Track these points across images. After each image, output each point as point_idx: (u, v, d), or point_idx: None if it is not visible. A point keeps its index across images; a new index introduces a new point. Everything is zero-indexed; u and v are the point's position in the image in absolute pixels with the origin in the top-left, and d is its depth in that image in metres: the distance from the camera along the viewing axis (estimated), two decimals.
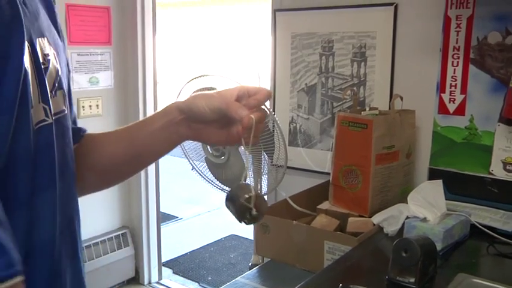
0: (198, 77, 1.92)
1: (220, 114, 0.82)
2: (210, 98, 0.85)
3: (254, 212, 0.81)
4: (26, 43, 0.68)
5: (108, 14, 2.91)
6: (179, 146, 2.03)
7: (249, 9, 6.85)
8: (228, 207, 0.85)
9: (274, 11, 2.41)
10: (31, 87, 0.68)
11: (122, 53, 3.11)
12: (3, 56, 0.62)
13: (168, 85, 3.80)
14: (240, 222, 0.83)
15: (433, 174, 1.98)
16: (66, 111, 0.81)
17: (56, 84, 0.79)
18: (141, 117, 2.91)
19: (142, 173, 3.21)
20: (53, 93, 0.77)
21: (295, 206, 1.91)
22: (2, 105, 0.63)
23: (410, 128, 1.94)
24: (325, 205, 1.91)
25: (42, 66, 0.73)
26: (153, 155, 0.99)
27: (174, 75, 6.14)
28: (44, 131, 0.73)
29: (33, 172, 0.70)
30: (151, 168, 3.28)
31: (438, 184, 1.68)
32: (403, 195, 1.80)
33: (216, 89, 1.91)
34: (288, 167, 1.99)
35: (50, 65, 0.77)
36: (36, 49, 0.72)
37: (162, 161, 3.17)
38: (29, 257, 0.70)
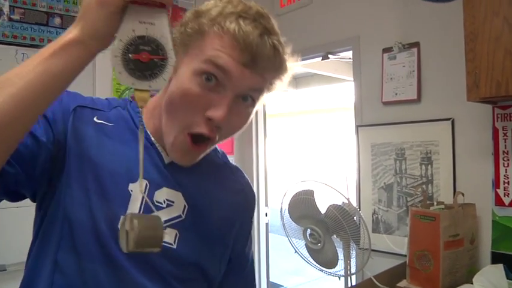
0: (299, 182, 2.17)
1: None
2: None
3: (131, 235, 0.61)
4: (143, 181, 0.78)
5: None
6: (286, 234, 2.21)
7: (336, 117, 7.05)
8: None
9: (357, 127, 2.56)
10: (134, 204, 0.76)
11: (241, 157, 3.39)
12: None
13: (276, 177, 4.00)
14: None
15: (495, 257, 1.98)
16: (172, 246, 0.81)
17: (170, 223, 0.81)
18: None
19: (256, 248, 3.38)
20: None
21: (378, 284, 1.96)
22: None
23: (472, 219, 1.99)
24: (403, 283, 1.95)
25: (156, 203, 0.79)
26: None
27: (280, 170, 6.37)
28: None
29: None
30: (263, 245, 3.45)
31: (500, 268, 1.73)
32: (470, 274, 1.82)
33: (313, 191, 2.13)
34: (372, 250, 2.05)
35: (169, 209, 0.81)
36: (150, 188, 0.79)
37: (272, 239, 3.37)
38: None
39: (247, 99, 0.77)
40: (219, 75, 0.73)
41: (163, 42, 0.62)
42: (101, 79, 2.58)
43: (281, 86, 0.83)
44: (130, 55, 0.61)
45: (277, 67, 0.78)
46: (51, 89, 0.62)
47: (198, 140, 0.77)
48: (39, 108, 0.63)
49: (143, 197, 0.78)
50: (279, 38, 0.76)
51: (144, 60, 0.61)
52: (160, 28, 0.62)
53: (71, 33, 0.62)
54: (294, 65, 0.82)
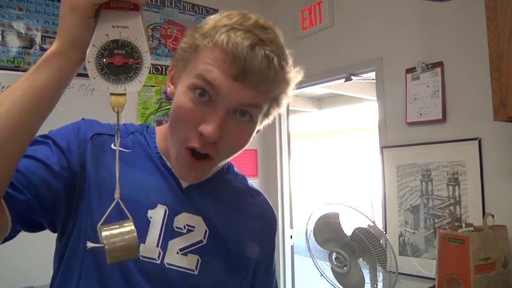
0: (324, 205, 2.14)
1: None
2: None
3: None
4: (161, 206, 0.78)
5: (256, 154, 3.23)
6: (312, 258, 2.17)
7: (360, 137, 7.00)
8: None
9: (382, 148, 2.53)
10: (154, 231, 0.76)
11: (266, 179, 3.34)
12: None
13: (301, 198, 3.95)
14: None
15: None
16: (194, 273, 0.79)
17: (191, 248, 0.79)
18: (280, 228, 3.07)
19: (281, 271, 3.31)
20: (184, 252, 0.79)
21: None
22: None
23: (503, 241, 1.91)
24: None
25: (176, 228, 0.78)
26: None
27: (305, 191, 6.32)
28: (146, 265, 0.76)
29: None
30: (288, 267, 3.38)
31: None
32: None
33: (339, 214, 2.09)
34: (399, 273, 1.98)
35: (190, 234, 0.80)
36: (169, 213, 0.78)
37: (298, 261, 3.32)
38: None
39: (244, 115, 0.74)
40: (210, 90, 0.71)
41: (137, 44, 0.61)
42: (127, 105, 2.60)
43: (287, 100, 0.79)
44: (104, 60, 0.60)
45: (273, 79, 0.72)
46: (39, 104, 0.61)
47: (198, 155, 0.74)
48: (31, 125, 0.63)
49: (162, 224, 0.78)
50: (275, 48, 0.72)
51: (118, 63, 0.61)
52: (134, 31, 0.61)
53: (53, 46, 0.62)
54: (296, 76, 0.78)
